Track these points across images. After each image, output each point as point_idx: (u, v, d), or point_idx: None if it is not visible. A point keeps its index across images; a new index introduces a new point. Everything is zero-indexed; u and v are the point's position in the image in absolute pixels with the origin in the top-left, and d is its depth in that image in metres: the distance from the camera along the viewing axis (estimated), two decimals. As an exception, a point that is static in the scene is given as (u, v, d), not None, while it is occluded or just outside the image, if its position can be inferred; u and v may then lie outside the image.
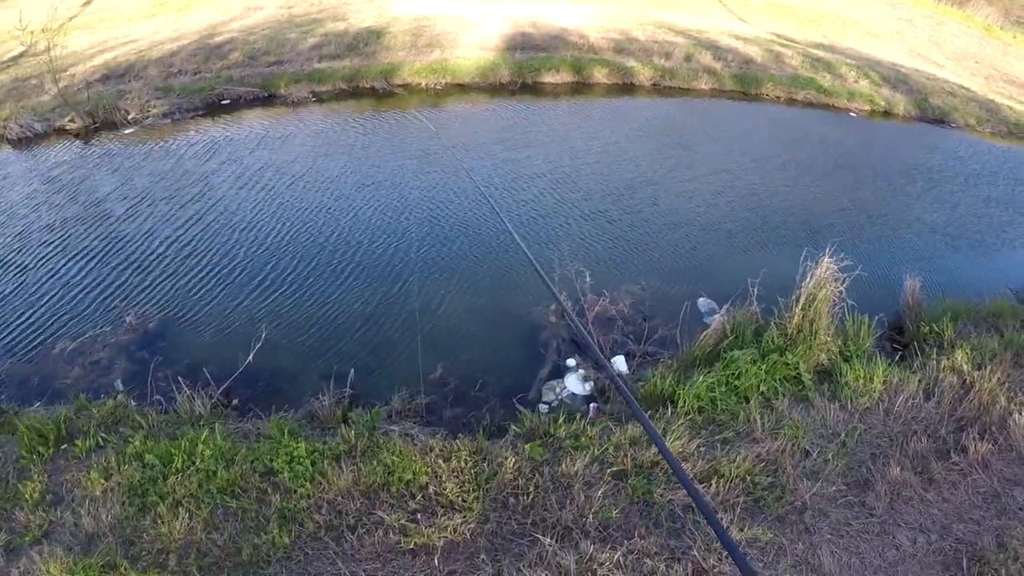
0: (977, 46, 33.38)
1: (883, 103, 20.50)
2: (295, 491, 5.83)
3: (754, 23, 27.29)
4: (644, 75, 19.60)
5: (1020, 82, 28.34)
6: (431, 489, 5.93)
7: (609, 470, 6.27)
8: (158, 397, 7.09)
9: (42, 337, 8.23)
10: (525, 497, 5.91)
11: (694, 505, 5.80)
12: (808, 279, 7.90)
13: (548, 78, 18.93)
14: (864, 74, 21.97)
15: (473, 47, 19.86)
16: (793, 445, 6.69)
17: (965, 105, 21.52)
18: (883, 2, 37.70)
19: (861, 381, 7.54)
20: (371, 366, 8.00)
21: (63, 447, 6.27)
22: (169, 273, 9.50)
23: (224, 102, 15.96)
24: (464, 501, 5.83)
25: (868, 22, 31.86)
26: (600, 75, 19.36)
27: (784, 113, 19.27)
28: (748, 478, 6.24)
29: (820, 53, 23.43)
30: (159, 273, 9.50)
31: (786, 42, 24.43)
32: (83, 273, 9.44)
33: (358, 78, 17.53)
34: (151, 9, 23.21)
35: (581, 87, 19.07)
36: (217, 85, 16.22)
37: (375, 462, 6.12)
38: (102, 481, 5.82)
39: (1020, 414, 7.25)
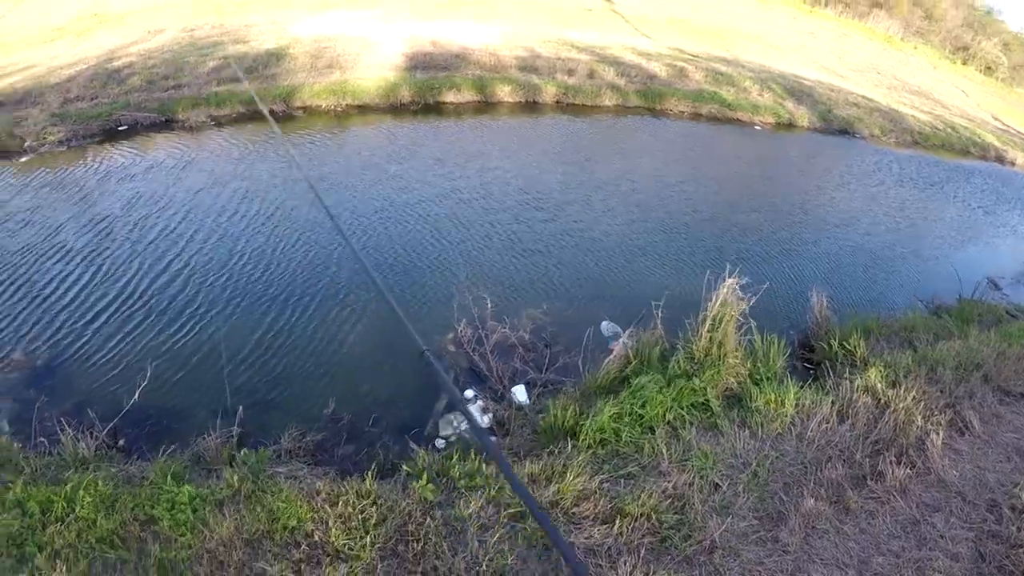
0: (879, 57, 34.45)
1: (787, 115, 20.77)
2: (176, 540, 5.37)
3: (657, 39, 27.50)
4: (548, 92, 19.46)
5: (922, 92, 29.23)
6: (317, 536, 5.45)
7: (506, 512, 5.80)
8: (42, 439, 6.60)
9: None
10: (416, 544, 5.44)
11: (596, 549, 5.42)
12: (714, 299, 7.60)
13: (451, 97, 18.59)
14: (767, 87, 22.27)
15: (374, 67, 19.43)
16: (702, 478, 6.31)
17: (869, 115, 21.98)
18: (785, 16, 38.62)
19: (772, 405, 7.24)
20: (264, 401, 7.53)
21: (-59, 492, 5.75)
22: (58, 306, 8.85)
23: (121, 128, 15.15)
24: (351, 549, 5.35)
25: (770, 36, 32.50)
26: (503, 93, 19.14)
27: (689, 128, 19.32)
28: (654, 516, 5.81)
29: (723, 67, 23.69)
30: (47, 305, 8.85)
31: (689, 57, 24.66)
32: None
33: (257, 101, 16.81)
34: (51, 34, 22.26)
35: (484, 106, 18.78)
36: (115, 111, 15.44)
37: (259, 508, 5.66)
38: None
39: (937, 435, 7.05)
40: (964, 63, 46.75)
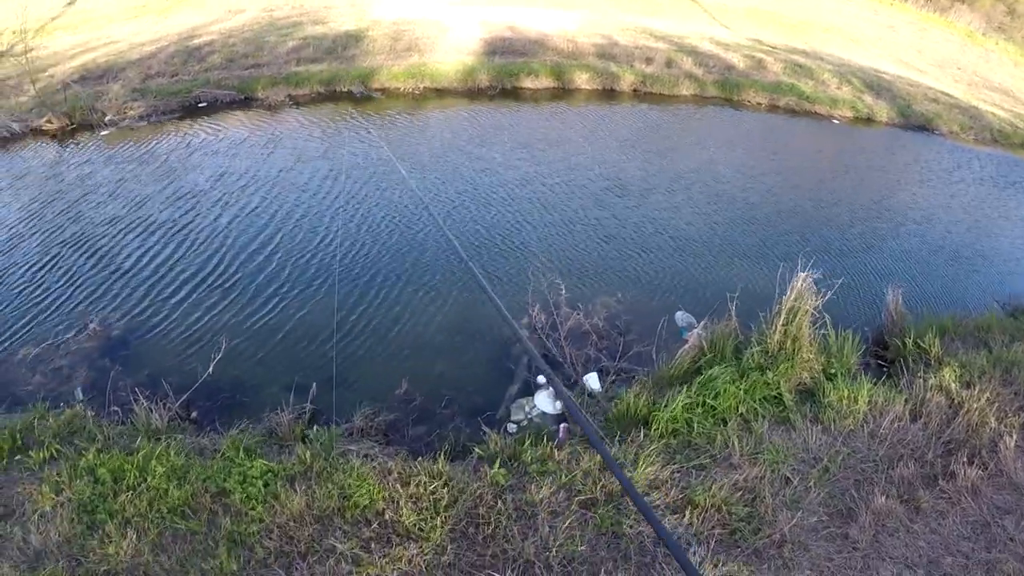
0: (959, 53, 33.40)
1: (866, 109, 20.35)
2: (246, 514, 5.54)
3: (735, 29, 27.11)
4: (625, 81, 19.38)
5: (1002, 88, 28.33)
6: (387, 516, 5.60)
7: (576, 499, 5.94)
8: (116, 408, 6.86)
9: (5, 342, 7.96)
10: (486, 527, 5.59)
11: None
12: (789, 292, 7.62)
13: (528, 83, 18.65)
14: (846, 80, 21.84)
15: (452, 51, 19.62)
16: (773, 472, 6.37)
17: (948, 112, 21.41)
18: (865, 8, 37.64)
19: (845, 401, 7.24)
20: (336, 379, 7.64)
21: (17, 457, 6.05)
22: (137, 279, 9.22)
23: (201, 105, 15.63)
24: (421, 530, 5.50)
25: (850, 28, 31.75)
26: (581, 80, 19.13)
27: (766, 120, 19.08)
28: (724, 508, 5.90)
29: (802, 59, 23.27)
30: (127, 278, 9.22)
31: (768, 48, 24.26)
32: (51, 276, 9.17)
33: (335, 82, 17.19)
34: (134, 11, 22.89)
35: (561, 92, 18.80)
36: (195, 88, 15.93)
37: (331, 485, 5.82)
38: (52, 496, 5.56)
39: (1010, 437, 6.98)
40: (1046, 59, 45.10)
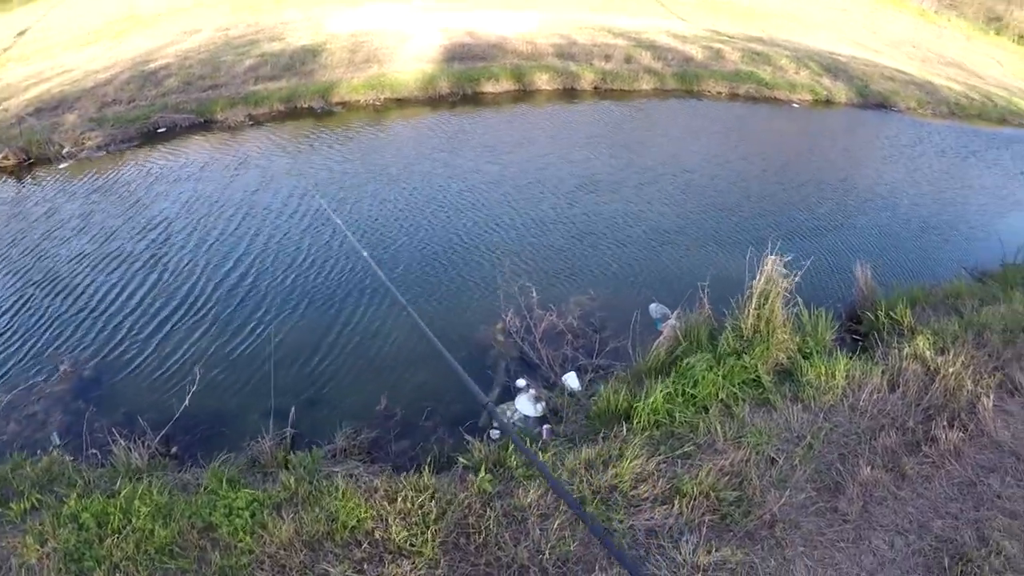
0: (913, 31, 33.95)
1: (824, 92, 20.65)
2: (235, 546, 5.41)
3: (692, 21, 27.38)
4: (586, 79, 19.51)
5: (956, 63, 28.79)
6: (377, 535, 5.51)
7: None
8: (94, 451, 6.66)
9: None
10: (477, 536, 5.52)
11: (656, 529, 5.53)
12: (758, 276, 7.66)
13: (489, 87, 18.71)
14: (803, 65, 22.13)
15: (411, 60, 19.62)
16: (758, 453, 6.38)
17: (905, 88, 21.76)
18: (818, -8, 38.06)
19: (823, 378, 7.29)
20: (315, 400, 7.62)
21: (-1, 511, 5.90)
22: (106, 315, 9.03)
23: (160, 130, 15.41)
24: (413, 545, 5.41)
25: (803, 14, 32.15)
26: (541, 81, 19.22)
27: (727, 109, 19.27)
28: (712, 494, 5.88)
29: (759, 47, 23.54)
30: (96, 316, 9.03)
31: (725, 37, 24.53)
32: (16, 318, 8.99)
33: (295, 98, 17.09)
34: (87, 38, 22.72)
35: (523, 94, 18.88)
36: (152, 113, 15.71)
37: (318, 509, 5.72)
38: (37, 547, 5.37)
39: (988, 397, 7.06)
40: (997, 33, 45.70)
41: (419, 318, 6.68)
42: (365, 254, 8.13)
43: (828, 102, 20.38)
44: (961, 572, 5.35)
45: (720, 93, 19.93)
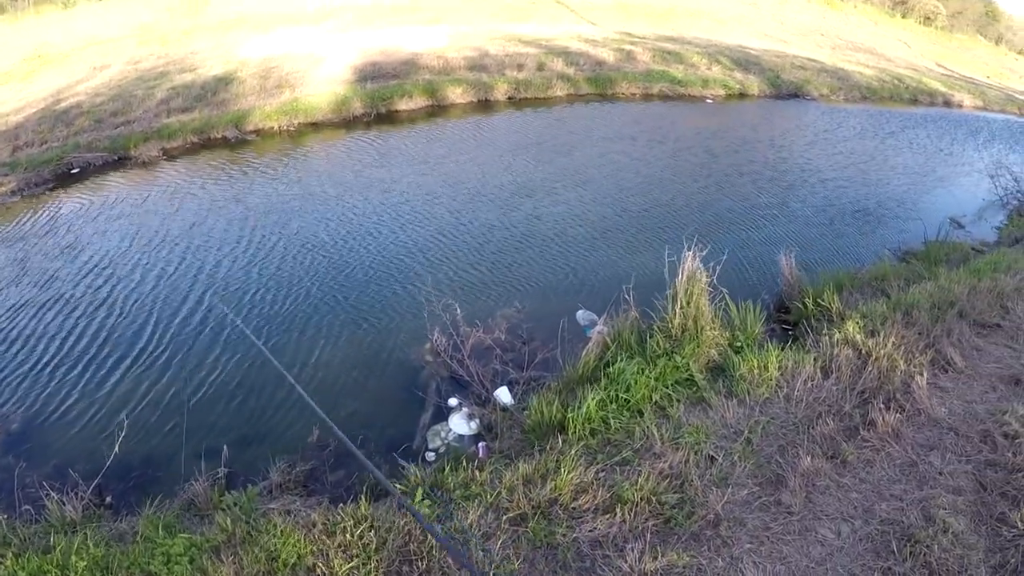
0: (820, 20, 34.83)
1: (737, 85, 21.00)
2: None
3: (603, 24, 27.61)
4: (499, 90, 19.53)
5: (866, 48, 29.59)
6: (319, 570, 5.23)
7: (505, 516, 5.66)
8: (27, 507, 6.29)
9: None
10: (420, 562, 5.27)
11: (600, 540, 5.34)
12: (680, 274, 7.58)
13: (403, 105, 18.59)
14: (715, 60, 22.49)
15: (324, 82, 19.44)
16: (696, 453, 6.23)
17: (817, 76, 22.24)
18: (725, -12, 38.82)
19: (756, 371, 7.19)
20: (247, 437, 7.35)
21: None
22: (27, 365, 8.58)
23: (74, 171, 14.88)
24: None
25: (713, 10, 32.74)
26: (455, 95, 19.17)
27: (642, 109, 19.45)
28: (654, 498, 5.71)
29: (670, 46, 23.87)
30: (12, 366, 8.59)
31: (636, 39, 24.81)
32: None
33: (209, 129, 16.69)
34: (-4, 79, 21.93)
35: (438, 109, 18.79)
36: (65, 154, 15.16)
37: (256, 548, 5.42)
38: None
39: (921, 376, 7.04)
40: (903, 16, 47.35)
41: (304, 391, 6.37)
42: (239, 322, 7.96)
43: (742, 95, 20.74)
44: (910, 553, 5.24)
45: (634, 94, 20.13)
